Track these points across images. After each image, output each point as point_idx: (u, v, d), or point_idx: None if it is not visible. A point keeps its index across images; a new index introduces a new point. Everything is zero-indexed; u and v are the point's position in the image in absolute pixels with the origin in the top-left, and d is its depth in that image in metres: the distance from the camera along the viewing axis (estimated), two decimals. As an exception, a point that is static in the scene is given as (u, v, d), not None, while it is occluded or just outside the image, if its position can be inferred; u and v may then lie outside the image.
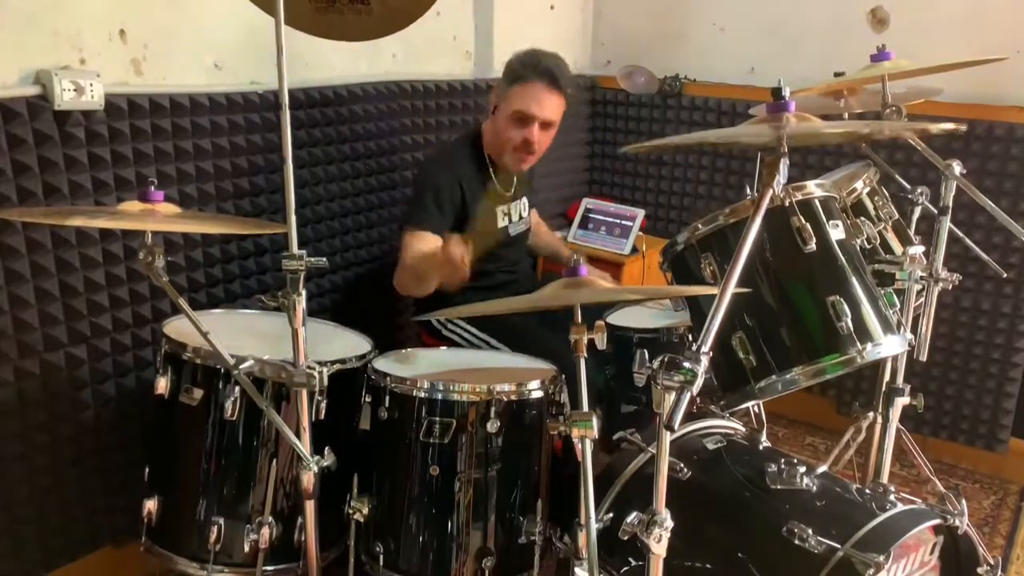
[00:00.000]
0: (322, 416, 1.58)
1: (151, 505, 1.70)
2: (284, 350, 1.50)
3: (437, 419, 1.69)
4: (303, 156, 2.28)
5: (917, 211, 2.06)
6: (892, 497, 1.52)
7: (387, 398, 1.73)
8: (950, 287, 1.87)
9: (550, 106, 2.16)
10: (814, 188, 1.66)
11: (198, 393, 1.67)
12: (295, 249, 1.43)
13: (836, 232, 1.63)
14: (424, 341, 2.34)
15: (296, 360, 1.47)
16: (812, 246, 1.57)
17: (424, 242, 2.10)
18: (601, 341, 1.45)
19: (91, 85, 1.77)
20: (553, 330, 2.16)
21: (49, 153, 1.75)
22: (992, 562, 1.53)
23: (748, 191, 1.73)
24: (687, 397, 1.05)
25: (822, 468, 1.63)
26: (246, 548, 1.63)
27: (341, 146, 2.40)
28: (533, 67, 2.14)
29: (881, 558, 1.33)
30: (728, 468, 1.67)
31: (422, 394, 1.70)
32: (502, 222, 2.35)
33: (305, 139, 2.28)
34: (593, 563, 1.38)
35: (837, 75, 2.05)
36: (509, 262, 2.42)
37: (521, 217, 2.42)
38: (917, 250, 1.86)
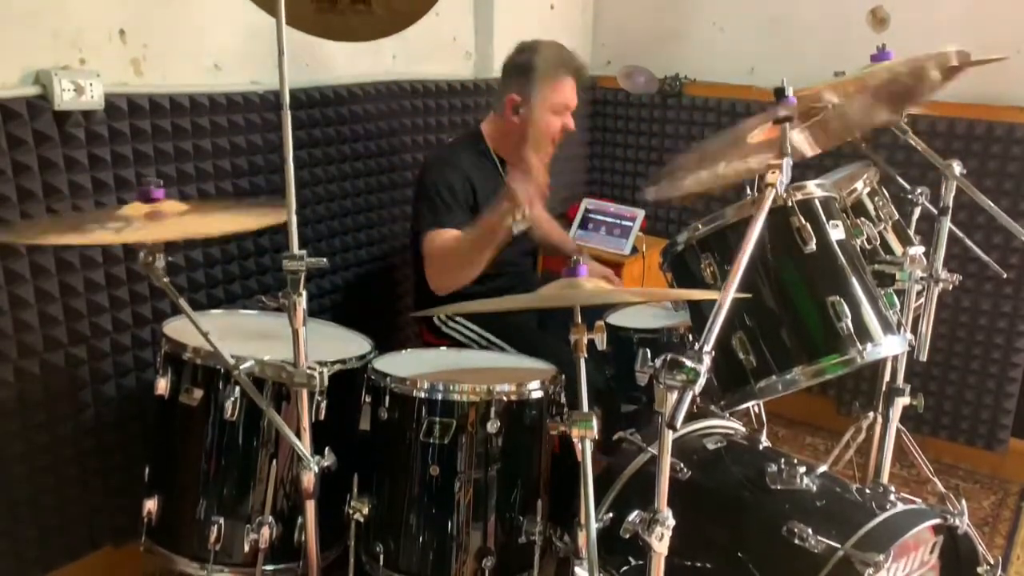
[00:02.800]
0: (322, 416, 1.58)
1: (151, 505, 1.70)
2: (284, 350, 1.50)
3: (437, 419, 1.69)
4: (303, 156, 2.28)
5: (917, 211, 2.06)
6: (892, 497, 1.52)
7: (387, 398, 1.73)
8: (950, 287, 1.87)
9: (576, 94, 2.31)
10: (814, 188, 1.66)
11: (198, 393, 1.67)
12: (295, 249, 1.43)
13: (836, 232, 1.63)
14: (424, 339, 2.34)
15: (296, 360, 1.47)
16: (812, 246, 1.57)
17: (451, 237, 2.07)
18: (601, 341, 1.46)
19: (91, 85, 1.77)
20: (553, 330, 2.16)
21: (49, 153, 1.75)
22: (992, 562, 1.53)
23: (748, 191, 1.73)
24: (689, 396, 1.05)
25: (822, 468, 1.62)
26: (246, 548, 1.63)
27: (341, 146, 2.40)
28: (565, 65, 2.24)
29: (881, 557, 1.33)
30: (728, 468, 1.68)
31: (422, 394, 1.70)
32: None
33: (305, 139, 2.28)
34: (593, 563, 1.38)
35: (837, 75, 2.04)
36: (511, 261, 2.41)
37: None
38: (917, 250, 1.86)
